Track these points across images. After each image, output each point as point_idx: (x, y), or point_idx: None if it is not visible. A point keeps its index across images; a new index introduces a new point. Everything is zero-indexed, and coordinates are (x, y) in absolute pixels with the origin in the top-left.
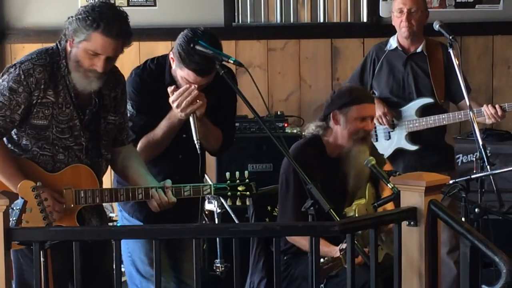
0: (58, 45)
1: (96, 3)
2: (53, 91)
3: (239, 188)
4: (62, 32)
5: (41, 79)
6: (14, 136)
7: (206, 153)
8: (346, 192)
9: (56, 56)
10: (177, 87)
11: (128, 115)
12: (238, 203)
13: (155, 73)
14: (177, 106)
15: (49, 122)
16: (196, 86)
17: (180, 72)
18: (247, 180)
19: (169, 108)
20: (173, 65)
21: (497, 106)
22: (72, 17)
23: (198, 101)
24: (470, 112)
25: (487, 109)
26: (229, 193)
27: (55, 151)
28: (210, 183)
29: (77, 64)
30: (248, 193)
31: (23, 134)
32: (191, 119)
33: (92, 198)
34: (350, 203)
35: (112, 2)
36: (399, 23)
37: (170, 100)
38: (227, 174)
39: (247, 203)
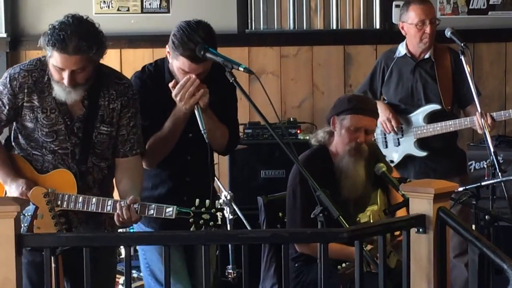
0: None
1: (63, 19)
2: (37, 95)
3: (203, 216)
4: None
5: (24, 83)
6: (19, 136)
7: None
8: (355, 202)
9: (46, 64)
10: (177, 82)
11: None
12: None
13: (154, 74)
14: (180, 99)
15: (34, 125)
16: (194, 76)
17: (177, 63)
18: (213, 210)
19: (172, 106)
20: (170, 59)
21: (488, 115)
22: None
23: (200, 90)
24: (482, 119)
25: (478, 120)
26: (191, 220)
27: (43, 152)
28: (175, 206)
29: (52, 77)
30: (211, 223)
31: (21, 135)
32: (195, 111)
33: (67, 203)
34: (362, 210)
35: (126, 9)
36: (421, 34)
37: (173, 94)
38: (197, 200)
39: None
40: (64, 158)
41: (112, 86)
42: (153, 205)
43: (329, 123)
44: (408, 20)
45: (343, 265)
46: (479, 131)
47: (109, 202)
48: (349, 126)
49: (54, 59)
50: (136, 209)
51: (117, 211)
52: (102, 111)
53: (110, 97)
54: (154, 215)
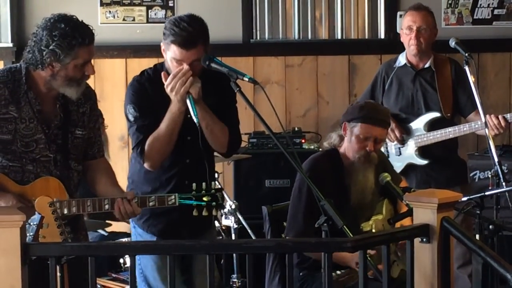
0: (21, 63)
1: (55, 22)
2: (15, 106)
3: (205, 199)
4: (23, 57)
5: (1, 95)
6: None
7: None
8: (361, 207)
9: (18, 73)
10: (168, 74)
11: (132, 118)
12: (204, 213)
13: (153, 77)
14: (171, 89)
15: (13, 136)
16: (187, 66)
17: (169, 54)
18: (213, 191)
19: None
20: (165, 55)
21: (500, 116)
22: (45, 48)
23: (190, 78)
24: (486, 130)
25: (490, 120)
26: (194, 203)
27: (23, 163)
28: (176, 193)
29: (70, 80)
30: (214, 203)
31: None
32: (187, 100)
33: (61, 208)
34: (368, 218)
35: (132, 19)
36: (408, 40)
37: (165, 85)
38: (193, 185)
39: (214, 213)
40: (46, 166)
41: None
42: (153, 197)
43: (341, 127)
44: (402, 25)
45: (338, 272)
46: (491, 133)
47: (106, 201)
48: (358, 134)
49: (81, 57)
50: (137, 203)
51: (119, 208)
52: (74, 115)
53: (78, 101)
54: (156, 205)
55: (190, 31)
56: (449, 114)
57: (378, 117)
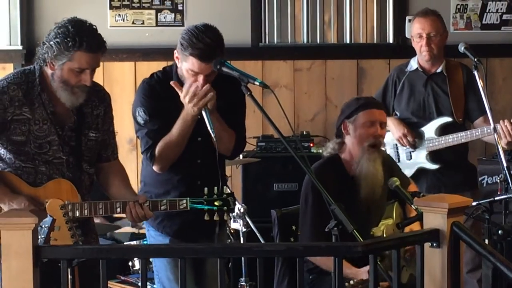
0: (35, 65)
1: (66, 22)
2: (29, 108)
3: (216, 203)
4: (36, 55)
5: (15, 96)
6: (3, 151)
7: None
8: (369, 210)
9: (32, 75)
10: (177, 83)
11: (142, 121)
12: (215, 218)
13: (163, 79)
14: (189, 101)
15: (26, 138)
16: (203, 78)
17: (185, 65)
18: (224, 195)
19: (180, 110)
20: (179, 64)
21: None
22: (46, 42)
23: (209, 94)
24: (495, 134)
25: (503, 126)
26: (206, 208)
27: (36, 165)
28: (187, 197)
29: (64, 83)
30: (225, 208)
31: (6, 150)
32: (203, 112)
33: (73, 211)
34: (377, 222)
35: (141, 22)
36: (419, 47)
37: (182, 96)
38: (205, 189)
39: (225, 217)
40: (59, 168)
41: (93, 93)
42: (165, 201)
43: (339, 131)
44: (412, 32)
45: (351, 282)
46: (505, 140)
47: (118, 204)
48: (364, 122)
49: (76, 61)
50: (149, 206)
51: (130, 211)
52: (88, 118)
53: (93, 103)
54: (168, 209)
55: (209, 44)
56: (461, 119)
57: (375, 102)
